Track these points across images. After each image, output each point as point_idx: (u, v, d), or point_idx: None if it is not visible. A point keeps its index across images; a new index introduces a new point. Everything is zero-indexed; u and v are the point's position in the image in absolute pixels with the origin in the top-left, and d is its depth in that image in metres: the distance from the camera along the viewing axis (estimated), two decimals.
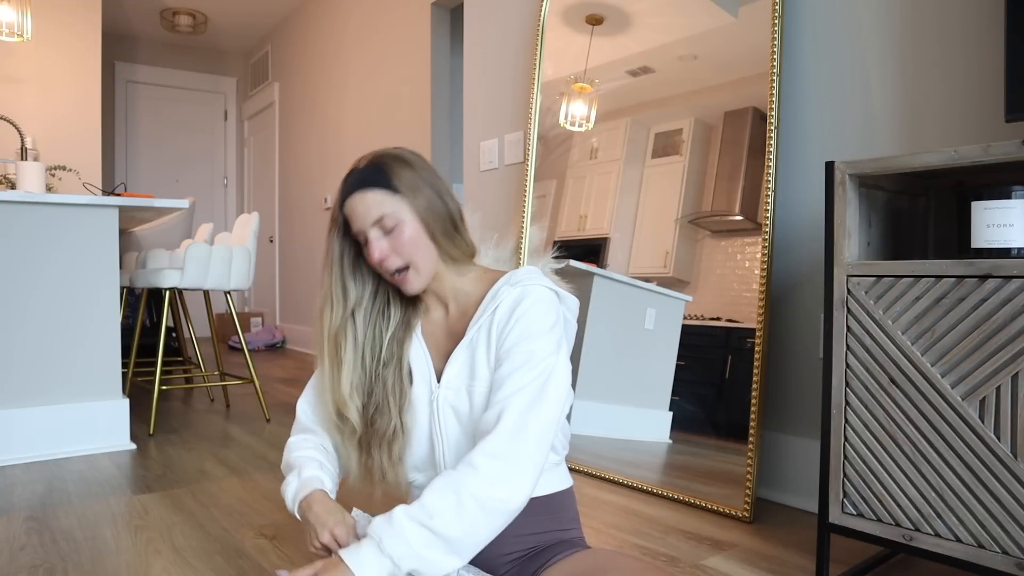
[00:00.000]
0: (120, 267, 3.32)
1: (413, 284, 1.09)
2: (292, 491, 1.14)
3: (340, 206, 1.10)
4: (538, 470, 0.99)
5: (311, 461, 1.16)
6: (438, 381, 1.11)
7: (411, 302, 1.17)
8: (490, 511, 0.95)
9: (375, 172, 1.08)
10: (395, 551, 0.92)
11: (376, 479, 1.13)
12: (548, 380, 1.01)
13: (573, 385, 2.31)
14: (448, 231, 1.10)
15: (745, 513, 1.75)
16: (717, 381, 1.92)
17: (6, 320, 2.32)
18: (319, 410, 1.19)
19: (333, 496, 1.13)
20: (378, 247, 1.06)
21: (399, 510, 0.94)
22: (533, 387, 1.00)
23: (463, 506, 0.93)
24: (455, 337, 1.12)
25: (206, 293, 3.24)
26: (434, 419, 1.10)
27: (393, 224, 1.06)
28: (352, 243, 1.13)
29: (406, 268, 1.07)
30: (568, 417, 2.28)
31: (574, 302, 1.14)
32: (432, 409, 1.10)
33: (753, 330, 1.84)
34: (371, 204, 1.06)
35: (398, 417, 1.10)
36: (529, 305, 1.04)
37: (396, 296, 1.17)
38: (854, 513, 1.33)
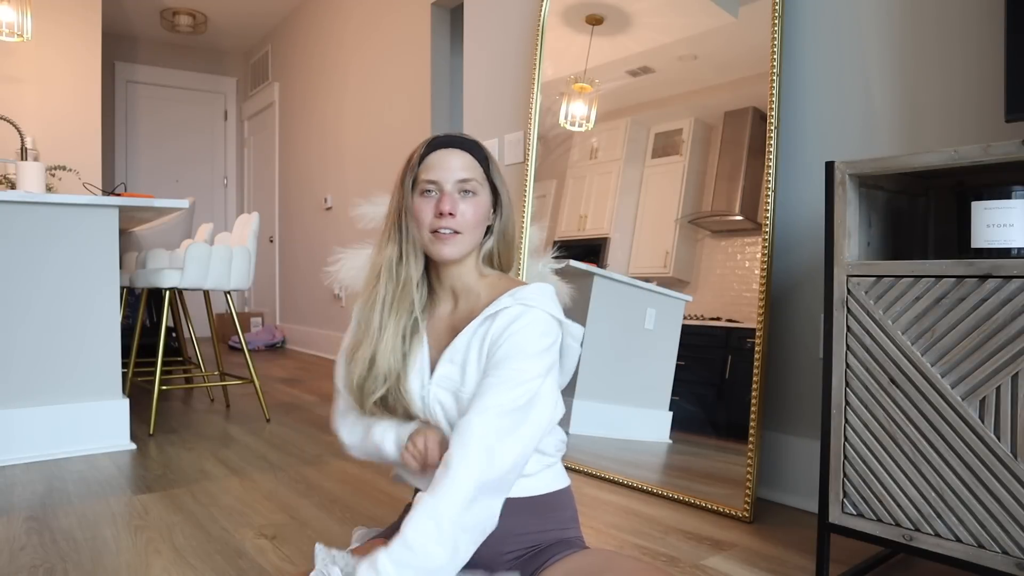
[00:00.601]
0: (120, 267, 3.32)
1: (451, 250, 1.09)
2: (394, 435, 1.13)
3: (421, 157, 1.11)
4: (512, 483, 1.01)
5: (394, 423, 1.16)
6: (430, 375, 1.12)
7: (427, 294, 1.18)
8: (469, 530, 0.96)
9: (475, 145, 1.13)
10: None
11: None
12: (529, 401, 1.01)
13: (573, 385, 2.31)
14: (507, 231, 1.16)
15: (745, 513, 1.75)
16: (717, 381, 1.92)
17: (6, 320, 2.32)
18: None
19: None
20: (451, 200, 1.07)
21: (382, 555, 0.93)
22: (513, 406, 1.00)
23: (443, 533, 0.94)
24: (455, 334, 1.13)
25: (206, 293, 3.24)
26: (425, 411, 1.12)
27: (473, 192, 1.09)
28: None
29: (457, 233, 1.08)
30: (568, 419, 2.28)
31: (579, 330, 1.13)
32: (423, 404, 1.12)
33: (753, 330, 1.84)
34: (467, 164, 1.10)
35: (406, 404, 1.12)
36: (524, 324, 1.04)
37: (422, 281, 1.16)
38: (854, 513, 1.33)
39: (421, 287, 1.16)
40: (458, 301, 1.15)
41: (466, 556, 0.97)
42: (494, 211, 1.15)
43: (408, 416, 1.14)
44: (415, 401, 1.12)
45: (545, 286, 1.12)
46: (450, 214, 1.07)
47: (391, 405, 1.13)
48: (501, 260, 1.19)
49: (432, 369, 1.12)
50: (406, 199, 1.12)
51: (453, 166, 1.09)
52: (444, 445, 1.07)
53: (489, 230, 1.16)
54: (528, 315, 1.05)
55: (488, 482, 0.97)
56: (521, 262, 2.41)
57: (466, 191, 1.09)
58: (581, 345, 1.16)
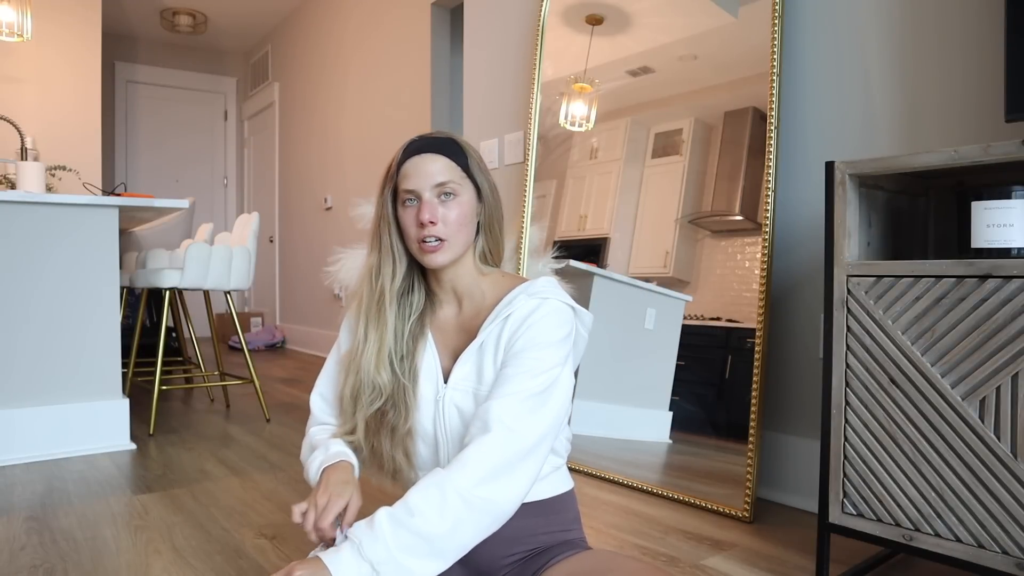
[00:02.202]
0: (120, 267, 3.32)
1: (440, 257, 1.07)
2: (317, 463, 1.12)
3: (399, 165, 1.09)
4: (530, 476, 0.98)
5: (338, 441, 1.15)
6: (445, 380, 1.10)
7: (427, 295, 1.16)
8: (475, 510, 0.93)
9: (452, 145, 1.09)
10: (374, 556, 0.90)
11: (387, 471, 1.13)
12: (549, 389, 1.00)
13: (573, 386, 2.30)
14: (492, 226, 1.13)
15: (745, 513, 1.75)
16: (717, 381, 1.92)
17: (6, 320, 2.32)
18: (333, 401, 1.18)
19: (357, 475, 1.12)
20: (430, 208, 1.05)
21: (381, 512, 0.93)
22: (534, 393, 0.99)
23: (447, 503, 0.92)
24: (466, 335, 1.11)
25: (206, 293, 3.24)
26: (438, 418, 1.09)
27: (453, 193, 1.07)
28: (395, 212, 1.11)
29: (442, 240, 1.06)
30: (568, 420, 2.28)
31: (589, 317, 1.13)
32: (437, 409, 1.09)
33: (753, 330, 1.84)
34: (441, 167, 1.06)
35: (414, 416, 1.10)
36: (543, 315, 1.04)
37: (419, 282, 1.16)
38: (854, 513, 1.33)
39: (414, 294, 1.15)
40: (462, 302, 1.14)
41: (469, 539, 0.94)
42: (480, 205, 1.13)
43: (401, 434, 1.10)
44: (426, 408, 1.10)
45: (551, 279, 1.11)
46: (431, 223, 1.05)
47: (388, 418, 1.10)
48: (492, 253, 1.16)
49: (445, 373, 1.11)
50: (385, 208, 1.11)
51: (429, 171, 1.06)
52: (350, 515, 1.04)
53: (479, 226, 1.13)
54: (545, 306, 1.04)
55: (502, 464, 0.95)
56: (521, 262, 2.41)
57: (446, 194, 1.06)
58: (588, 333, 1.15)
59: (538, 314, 1.04)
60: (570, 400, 1.05)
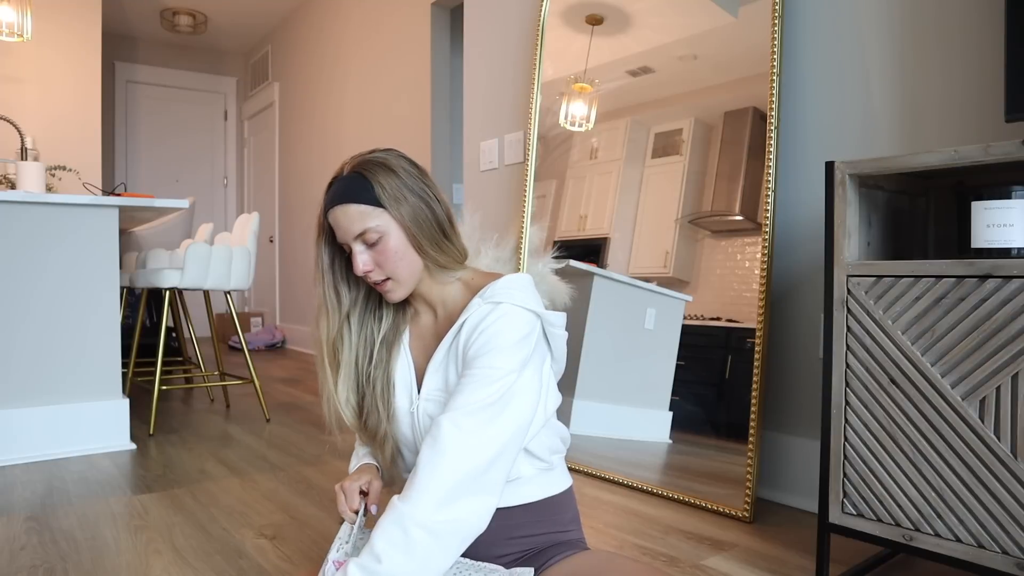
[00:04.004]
0: (120, 267, 3.32)
1: (395, 294, 1.08)
2: (352, 465, 1.21)
3: (325, 214, 1.09)
4: (495, 489, 0.96)
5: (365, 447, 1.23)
6: (419, 391, 1.10)
7: (401, 304, 1.17)
8: (442, 536, 0.91)
9: (358, 183, 1.05)
10: None
11: (383, 469, 1.17)
12: (503, 397, 0.97)
13: (573, 385, 2.30)
14: (435, 239, 1.07)
15: (745, 513, 1.75)
16: (717, 381, 1.92)
17: (6, 320, 2.32)
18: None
19: (381, 475, 1.17)
20: (361, 260, 1.05)
21: (352, 565, 0.92)
22: (488, 404, 0.96)
23: (411, 540, 0.90)
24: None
25: (206, 293, 3.24)
26: (416, 428, 1.10)
27: (376, 238, 1.04)
28: (341, 248, 1.13)
29: (388, 279, 1.07)
30: (568, 419, 2.28)
31: (557, 316, 1.09)
32: (413, 420, 1.10)
33: (753, 330, 1.84)
34: (354, 218, 1.04)
35: (387, 423, 1.11)
36: (494, 320, 1.01)
37: (381, 307, 1.17)
38: (854, 513, 1.33)
39: (382, 310, 1.16)
40: (436, 311, 1.14)
41: (443, 564, 0.93)
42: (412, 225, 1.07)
43: (381, 439, 1.13)
44: (404, 418, 1.10)
45: (519, 277, 1.07)
46: (368, 272, 1.06)
47: (370, 425, 1.13)
48: (450, 256, 1.10)
49: (421, 383, 1.11)
50: (320, 259, 1.12)
51: (345, 225, 1.05)
52: (373, 494, 1.10)
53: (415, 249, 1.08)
54: (496, 311, 1.01)
55: (461, 483, 0.93)
56: (521, 262, 2.41)
57: (367, 242, 1.05)
58: (567, 329, 1.13)
59: (488, 320, 1.01)
60: (537, 403, 1.02)
